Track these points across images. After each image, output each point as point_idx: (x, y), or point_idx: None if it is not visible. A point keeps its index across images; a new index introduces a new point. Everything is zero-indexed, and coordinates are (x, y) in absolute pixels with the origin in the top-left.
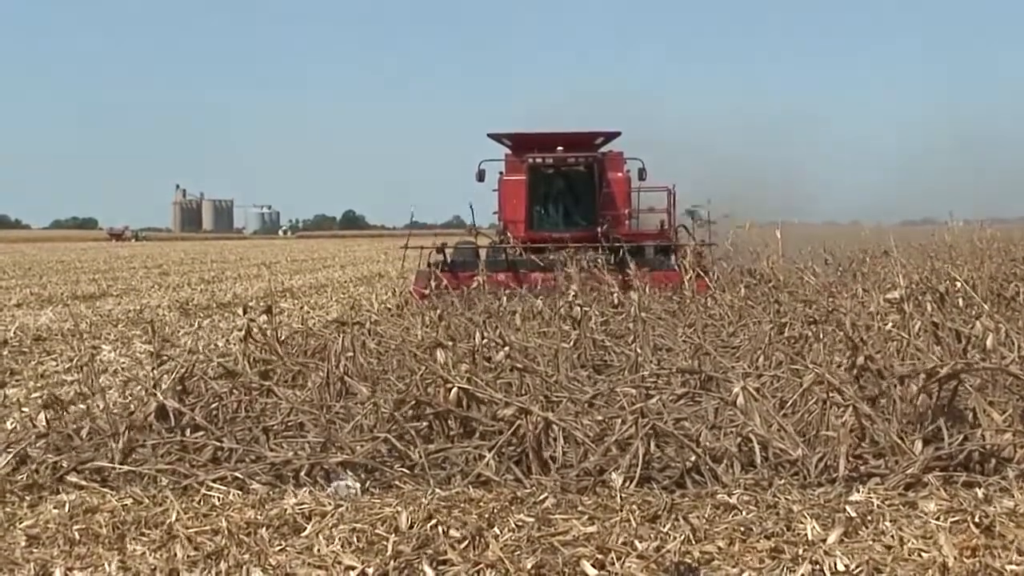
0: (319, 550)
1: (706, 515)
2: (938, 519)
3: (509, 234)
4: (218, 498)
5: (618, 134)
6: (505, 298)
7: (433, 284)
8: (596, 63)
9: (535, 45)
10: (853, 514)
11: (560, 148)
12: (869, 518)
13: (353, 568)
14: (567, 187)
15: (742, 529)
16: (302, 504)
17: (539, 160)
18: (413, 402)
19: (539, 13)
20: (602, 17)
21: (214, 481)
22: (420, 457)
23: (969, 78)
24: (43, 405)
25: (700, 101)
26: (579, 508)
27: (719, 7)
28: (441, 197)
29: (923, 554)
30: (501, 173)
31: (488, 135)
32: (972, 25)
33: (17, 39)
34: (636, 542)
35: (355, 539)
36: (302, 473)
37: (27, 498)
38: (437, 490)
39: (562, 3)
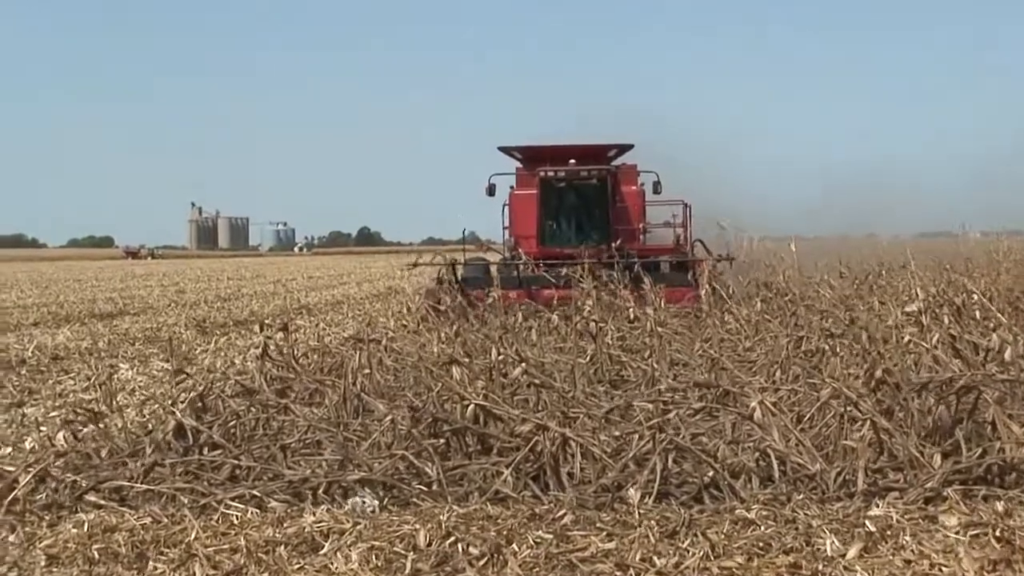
0: (337, 568)
1: (724, 530)
2: (958, 533)
3: (520, 249)
4: (236, 516)
5: (631, 146)
6: (520, 314)
7: (446, 300)
8: (611, 76)
9: (549, 57)
10: (872, 529)
11: (572, 161)
12: (888, 533)
13: None
14: (580, 201)
15: (761, 544)
16: (320, 522)
17: (551, 173)
18: (430, 419)
19: (551, 26)
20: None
21: (232, 499)
22: (438, 474)
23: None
24: (62, 423)
25: (711, 109)
26: (597, 524)
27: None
28: (456, 212)
29: (943, 569)
30: (512, 187)
31: (498, 148)
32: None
33: (35, 57)
34: (655, 558)
35: (373, 557)
36: (320, 491)
37: (46, 517)
38: (455, 507)
39: (577, 18)
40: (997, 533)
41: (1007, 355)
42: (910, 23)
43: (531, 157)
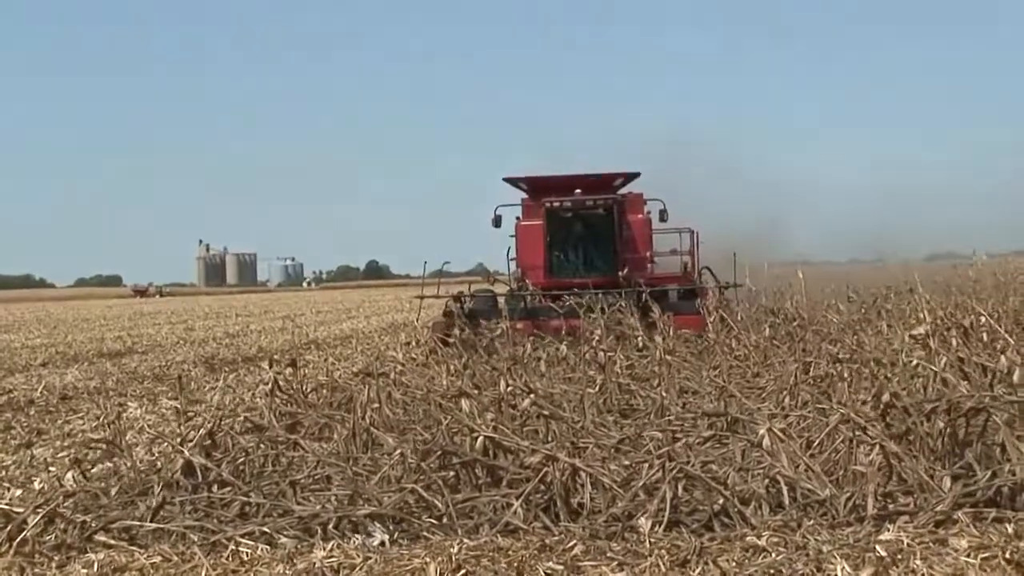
0: None
1: (736, 558)
2: (968, 556)
3: (527, 280)
4: (247, 553)
5: (638, 175)
6: (529, 344)
7: (455, 332)
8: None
9: (551, 86)
10: (883, 553)
11: (578, 191)
12: (899, 557)
13: None
14: (586, 231)
15: (772, 571)
16: (331, 557)
17: (557, 204)
18: (439, 452)
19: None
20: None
21: (242, 536)
22: (447, 507)
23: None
24: (71, 463)
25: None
26: (608, 554)
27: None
28: (465, 244)
29: None
30: (518, 218)
31: (504, 179)
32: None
33: (37, 92)
34: None
35: None
36: (330, 526)
37: (55, 558)
38: (465, 540)
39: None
40: (1007, 555)
41: (1016, 377)
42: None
43: (537, 187)
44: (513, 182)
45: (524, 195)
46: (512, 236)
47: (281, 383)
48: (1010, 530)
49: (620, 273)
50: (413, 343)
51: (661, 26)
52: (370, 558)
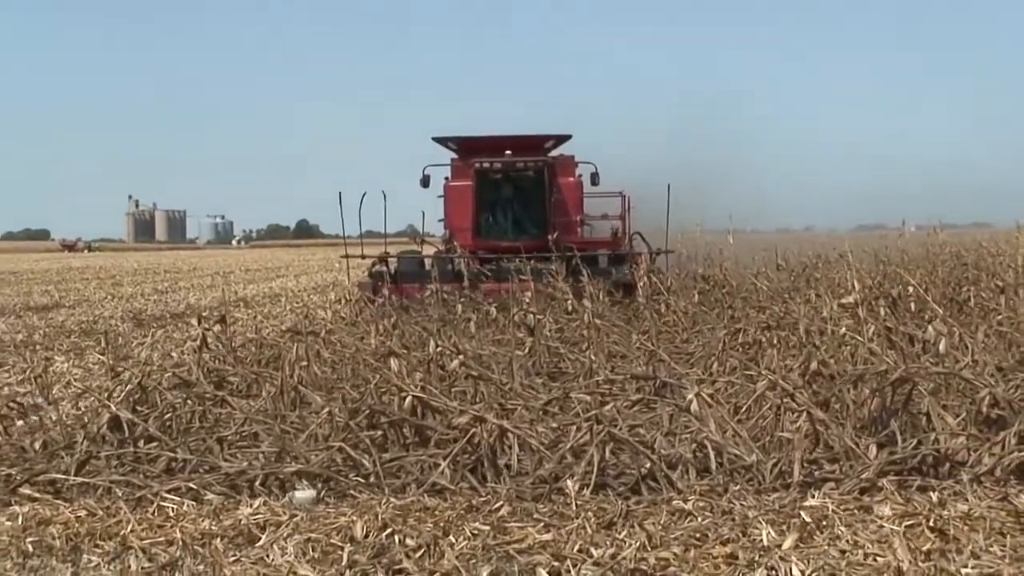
0: (274, 560)
1: (662, 521)
2: (893, 523)
3: (456, 242)
4: (172, 509)
5: (569, 137)
6: (459, 306)
7: (382, 293)
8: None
9: (484, 45)
10: (808, 519)
11: (508, 152)
12: (824, 523)
13: None
14: (516, 193)
15: (698, 535)
16: (257, 514)
17: (486, 164)
18: (368, 411)
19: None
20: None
21: (168, 492)
22: (375, 466)
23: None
24: None
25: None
26: (535, 516)
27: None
28: (395, 205)
29: (878, 558)
30: (447, 178)
31: (433, 138)
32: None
33: None
34: (592, 549)
35: (310, 549)
36: (257, 483)
37: None
38: (392, 499)
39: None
40: (931, 523)
41: (941, 347)
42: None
43: (466, 148)
44: (442, 141)
45: (454, 155)
46: (440, 197)
47: (209, 340)
48: (934, 498)
49: (550, 237)
50: (342, 302)
51: None
52: (296, 515)
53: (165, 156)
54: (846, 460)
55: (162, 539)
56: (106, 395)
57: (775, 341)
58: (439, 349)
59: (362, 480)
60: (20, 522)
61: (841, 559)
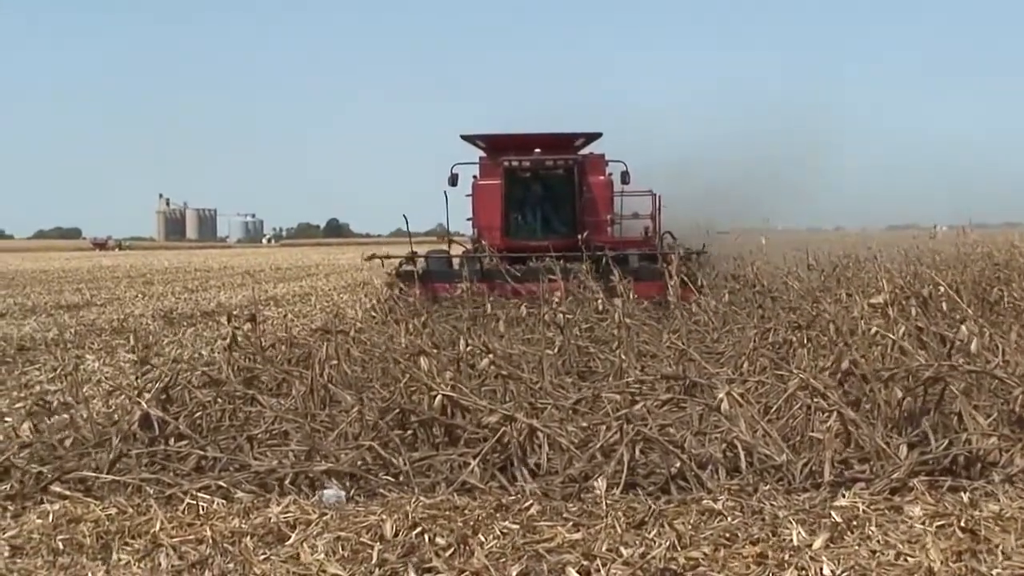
0: (304, 558)
1: (691, 521)
2: (924, 524)
3: (484, 242)
4: (202, 507)
5: (599, 135)
6: (489, 305)
7: (412, 293)
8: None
9: (514, 45)
10: (838, 519)
11: (538, 150)
12: (855, 523)
13: None
14: (545, 192)
15: (727, 535)
16: (287, 513)
17: (515, 163)
18: (398, 410)
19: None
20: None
21: (198, 490)
22: (405, 465)
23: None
24: (27, 414)
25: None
26: (564, 515)
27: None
28: (426, 204)
29: (909, 559)
30: (475, 177)
31: (461, 136)
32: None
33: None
34: (621, 548)
35: (340, 547)
36: (286, 482)
37: (10, 508)
38: (422, 498)
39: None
40: (962, 523)
41: (973, 346)
42: None
43: (495, 146)
44: (471, 140)
45: (482, 154)
46: (469, 196)
47: (239, 338)
48: (965, 499)
49: (579, 236)
50: (373, 302)
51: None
52: (326, 514)
53: (196, 155)
54: (877, 460)
55: (192, 537)
56: (136, 393)
57: (806, 341)
58: (469, 348)
59: (392, 479)
60: (51, 520)
61: (871, 559)
